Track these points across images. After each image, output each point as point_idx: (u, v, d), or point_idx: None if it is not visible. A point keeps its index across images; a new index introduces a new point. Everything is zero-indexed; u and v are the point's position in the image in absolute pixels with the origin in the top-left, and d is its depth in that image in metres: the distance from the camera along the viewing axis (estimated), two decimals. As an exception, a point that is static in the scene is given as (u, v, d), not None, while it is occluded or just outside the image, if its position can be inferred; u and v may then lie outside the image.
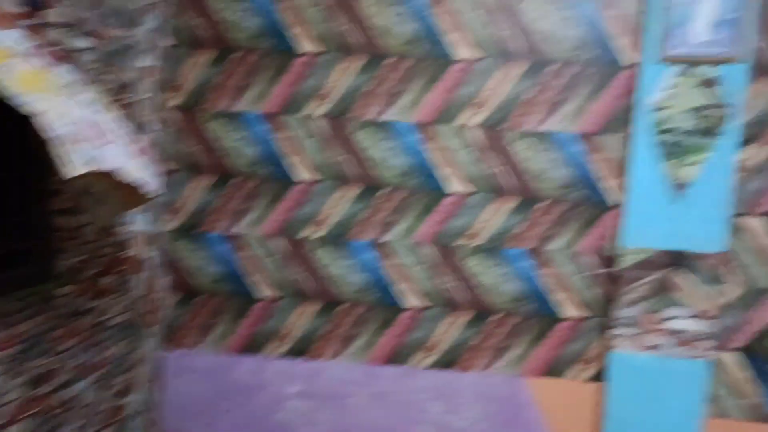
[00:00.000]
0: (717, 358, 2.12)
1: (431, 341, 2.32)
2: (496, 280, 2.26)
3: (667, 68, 2.00)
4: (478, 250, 2.25)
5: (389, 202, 2.27)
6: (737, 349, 2.12)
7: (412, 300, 2.31)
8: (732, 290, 2.09)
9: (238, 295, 2.38)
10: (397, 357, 2.34)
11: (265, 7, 2.23)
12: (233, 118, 2.30)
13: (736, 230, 2.06)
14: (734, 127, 1.97)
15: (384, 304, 2.32)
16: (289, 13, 2.23)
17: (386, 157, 2.25)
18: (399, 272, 2.30)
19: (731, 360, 2.12)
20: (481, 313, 2.28)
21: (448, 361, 2.32)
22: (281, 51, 2.25)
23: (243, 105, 2.29)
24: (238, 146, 2.31)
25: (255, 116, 2.29)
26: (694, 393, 2.09)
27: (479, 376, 2.30)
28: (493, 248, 2.24)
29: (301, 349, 2.38)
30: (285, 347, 2.39)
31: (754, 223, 2.06)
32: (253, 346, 2.40)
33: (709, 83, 1.98)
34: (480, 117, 2.19)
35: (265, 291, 2.37)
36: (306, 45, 2.24)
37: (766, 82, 2.00)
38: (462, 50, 2.17)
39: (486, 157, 2.21)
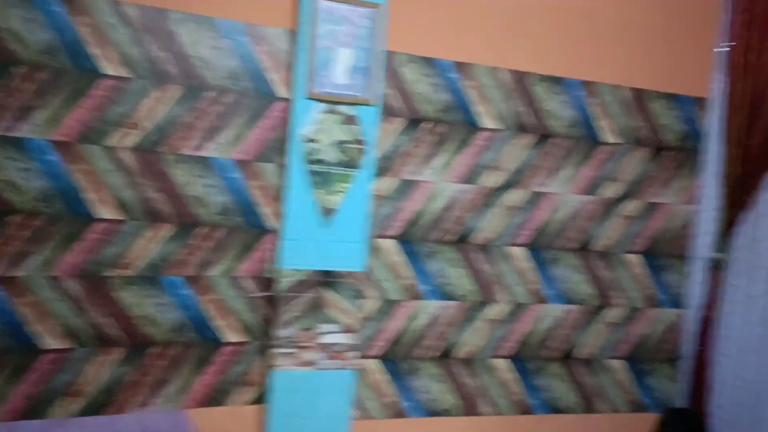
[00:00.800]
0: (361, 367, 2.38)
1: (77, 385, 2.07)
2: (153, 310, 2.14)
3: (315, 104, 2.18)
4: (133, 280, 2.11)
5: (22, 231, 1.97)
6: (376, 356, 2.41)
7: (53, 341, 2.03)
8: (371, 304, 2.37)
9: None
10: (35, 408, 2.03)
11: None
12: None
13: (372, 251, 2.35)
14: (369, 160, 2.26)
15: (16, 349, 2.00)
16: None
17: (18, 179, 1.95)
18: (35, 310, 2.00)
19: (371, 366, 2.40)
20: (138, 347, 2.13)
21: (100, 405, 2.10)
22: None
23: None
24: None
25: None
26: (343, 400, 2.30)
27: (137, 415, 2.14)
28: (149, 277, 2.13)
29: None
30: None
31: (385, 243, 2.38)
32: None
33: (349, 121, 2.23)
34: (133, 139, 2.07)
35: None
36: None
37: (392, 122, 2.34)
38: (109, 66, 2.02)
39: (141, 182, 2.09)
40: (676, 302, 2.73)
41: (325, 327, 2.27)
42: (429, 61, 2.36)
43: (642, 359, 2.71)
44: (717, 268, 2.59)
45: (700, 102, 2.68)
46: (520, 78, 2.47)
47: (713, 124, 2.66)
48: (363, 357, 2.38)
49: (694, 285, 2.71)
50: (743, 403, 2.54)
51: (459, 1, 2.38)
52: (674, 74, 2.64)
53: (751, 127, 2.43)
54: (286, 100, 2.22)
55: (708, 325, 2.60)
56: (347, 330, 2.29)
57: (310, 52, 2.15)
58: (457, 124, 2.42)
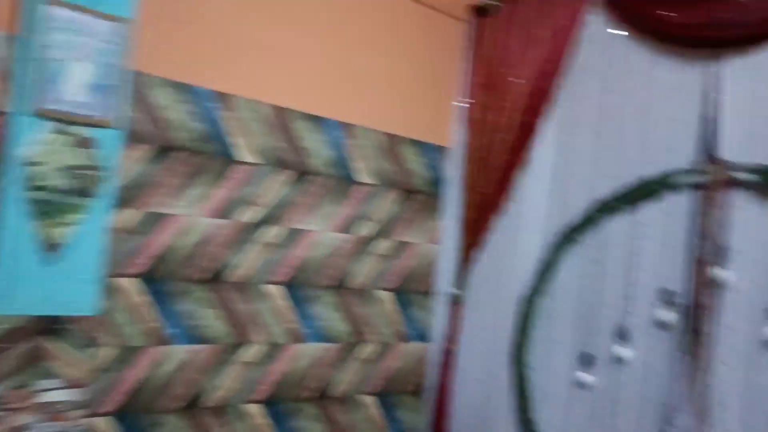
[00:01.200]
0: (89, 427, 2.05)
1: None
2: None
3: (41, 122, 1.88)
4: None
5: None
6: (110, 413, 2.10)
7: None
8: (106, 352, 2.08)
9: None
10: None
11: None
12: None
13: (110, 291, 2.08)
14: (109, 189, 2.00)
15: None
16: None
17: None
18: None
19: (102, 426, 2.09)
20: None
21: None
22: None
23: None
24: None
25: None
26: (65, 469, 1.95)
27: None
28: None
29: None
30: None
31: (126, 283, 2.12)
32: None
33: (84, 144, 1.95)
34: None
35: None
36: None
37: (138, 149, 2.13)
38: None
39: None
40: (423, 336, 2.91)
41: (45, 383, 1.92)
42: (184, 87, 2.21)
43: (392, 393, 2.81)
44: (456, 303, 2.82)
45: (442, 150, 2.95)
46: (281, 113, 2.44)
47: (453, 171, 2.94)
48: (92, 415, 2.05)
49: (438, 319, 2.92)
50: (475, 429, 2.77)
51: (219, 29, 2.29)
52: (421, 123, 2.88)
53: (484, 175, 2.73)
54: (3, 114, 1.87)
55: (449, 357, 2.81)
56: (73, 385, 1.97)
57: (36, 61, 1.85)
58: (214, 155, 2.29)
